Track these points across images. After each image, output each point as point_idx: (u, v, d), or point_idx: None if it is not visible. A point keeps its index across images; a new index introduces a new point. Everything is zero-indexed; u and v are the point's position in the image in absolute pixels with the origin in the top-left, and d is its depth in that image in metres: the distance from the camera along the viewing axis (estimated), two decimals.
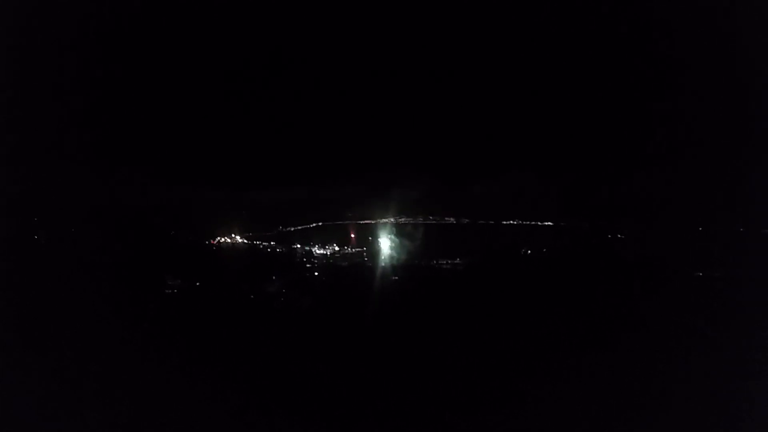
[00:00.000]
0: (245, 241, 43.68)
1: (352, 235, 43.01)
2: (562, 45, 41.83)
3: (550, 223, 44.61)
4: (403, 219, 45.99)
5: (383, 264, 40.38)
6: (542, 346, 24.04)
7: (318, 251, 41.42)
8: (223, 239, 43.28)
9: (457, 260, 40.02)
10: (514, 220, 45.54)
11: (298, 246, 42.30)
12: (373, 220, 45.34)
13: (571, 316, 28.75)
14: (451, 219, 46.40)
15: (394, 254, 41.39)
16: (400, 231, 44.23)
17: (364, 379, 20.84)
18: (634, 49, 40.29)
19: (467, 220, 46.33)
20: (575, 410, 17.88)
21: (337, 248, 41.57)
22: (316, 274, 38.72)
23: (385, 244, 41.96)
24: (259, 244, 43.45)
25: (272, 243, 43.42)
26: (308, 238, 42.95)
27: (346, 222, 45.16)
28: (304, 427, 17.49)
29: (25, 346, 21.17)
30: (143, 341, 23.41)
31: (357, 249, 41.79)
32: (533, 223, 45.04)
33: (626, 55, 41.08)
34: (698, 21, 34.47)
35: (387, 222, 45.34)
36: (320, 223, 45.54)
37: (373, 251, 41.53)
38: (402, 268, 39.20)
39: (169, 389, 19.00)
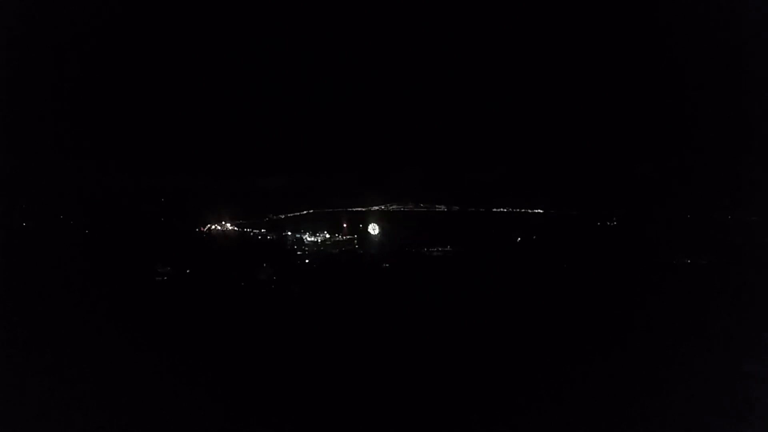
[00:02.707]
0: (236, 228, 43.56)
1: (343, 223, 42.98)
2: (551, 35, 41.70)
3: (540, 210, 44.79)
4: (393, 207, 46.03)
5: (374, 251, 40.80)
6: (533, 333, 24.37)
7: (309, 239, 41.40)
8: (213, 227, 43.14)
9: (448, 247, 40.25)
10: (504, 208, 45.65)
11: (289, 233, 42.23)
12: (364, 207, 45.34)
13: (562, 302, 29.12)
14: (442, 207, 46.44)
15: (385, 242, 41.62)
16: (390, 219, 44.38)
17: (354, 365, 21.06)
18: (621, 38, 40.27)
19: (457, 208, 46.40)
20: (565, 392, 18.20)
21: (327, 236, 41.56)
22: (306, 261, 38.87)
23: (376, 232, 42.09)
24: (250, 232, 43.35)
25: (263, 230, 43.33)
26: (299, 225, 42.84)
27: (337, 209, 45.06)
28: (295, 411, 17.70)
29: (14, 333, 21.20)
30: (134, 328, 23.51)
31: (348, 236, 41.79)
32: (524, 210, 45.18)
33: (614, 44, 41.04)
34: (679, 9, 34.61)
35: (378, 210, 45.41)
36: (311, 211, 45.39)
37: (364, 239, 41.60)
38: (392, 255, 39.56)
39: (160, 375, 19.14)
